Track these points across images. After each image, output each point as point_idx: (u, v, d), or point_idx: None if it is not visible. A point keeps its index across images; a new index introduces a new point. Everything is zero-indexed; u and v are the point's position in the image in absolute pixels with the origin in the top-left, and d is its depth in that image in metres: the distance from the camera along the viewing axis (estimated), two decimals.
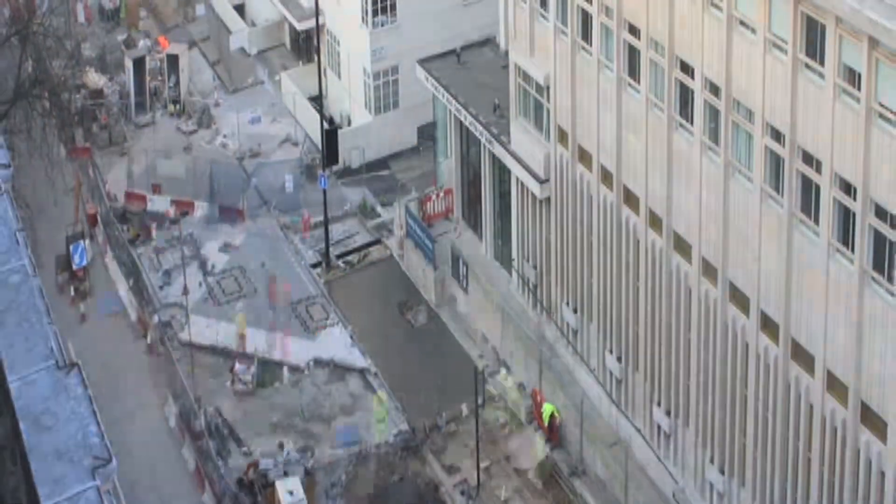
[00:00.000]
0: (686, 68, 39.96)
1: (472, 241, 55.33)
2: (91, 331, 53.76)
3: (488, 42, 56.04)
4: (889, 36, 31.60)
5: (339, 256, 58.40)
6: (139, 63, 67.93)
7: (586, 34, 44.60)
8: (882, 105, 33.03)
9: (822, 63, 34.55)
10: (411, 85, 60.24)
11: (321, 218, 58.60)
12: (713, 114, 39.20)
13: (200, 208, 60.68)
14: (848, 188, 34.48)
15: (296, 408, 51.25)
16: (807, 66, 35.14)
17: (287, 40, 71.39)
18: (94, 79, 66.98)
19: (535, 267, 50.79)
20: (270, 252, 58.58)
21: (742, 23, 37.30)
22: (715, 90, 38.80)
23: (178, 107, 67.67)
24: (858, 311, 34.84)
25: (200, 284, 56.91)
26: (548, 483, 47.89)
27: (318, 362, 53.18)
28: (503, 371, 51.40)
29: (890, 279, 33.77)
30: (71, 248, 55.64)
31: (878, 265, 34.20)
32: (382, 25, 62.07)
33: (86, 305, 55.67)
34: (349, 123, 64.84)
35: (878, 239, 33.97)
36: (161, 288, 56.40)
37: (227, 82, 70.15)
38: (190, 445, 49.29)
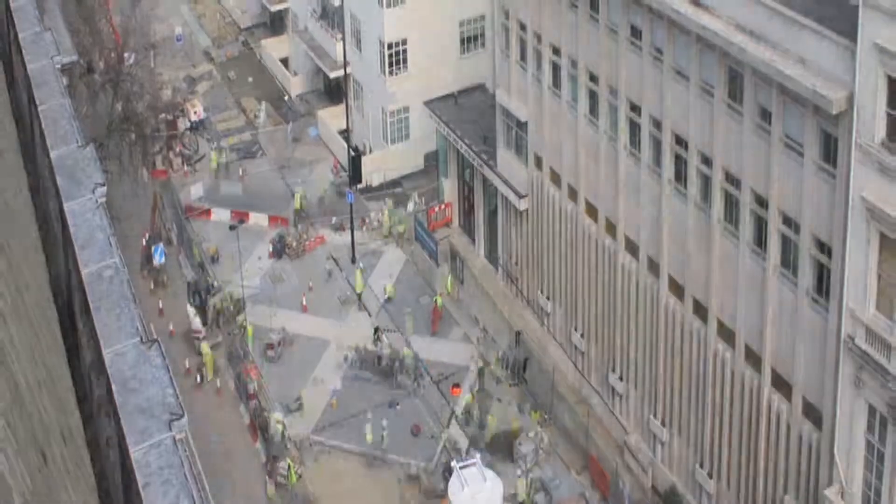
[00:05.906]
0: (635, 108, 39.99)
1: (467, 243, 55.31)
2: (167, 316, 53.73)
3: (480, 87, 56.02)
4: (793, 83, 31.67)
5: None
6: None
7: (557, 81, 44.63)
8: (787, 136, 33.10)
9: (741, 104, 34.62)
10: (419, 121, 60.25)
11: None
12: (656, 144, 39.24)
13: (254, 218, 60.65)
14: (761, 201, 34.53)
15: None
16: (729, 105, 35.20)
17: (322, 86, 71.37)
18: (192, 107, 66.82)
19: (516, 264, 50.77)
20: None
21: (678, 72, 37.35)
22: (657, 125, 38.83)
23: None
24: (770, 298, 34.91)
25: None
26: None
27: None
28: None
29: (794, 273, 33.83)
30: (152, 248, 55.61)
31: (784, 262, 34.26)
32: (396, 74, 62.04)
33: (164, 294, 55.60)
34: (370, 151, 64.80)
35: (785, 241, 34.04)
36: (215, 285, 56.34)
37: (274, 119, 70.20)
38: (245, 404, 49.27)
